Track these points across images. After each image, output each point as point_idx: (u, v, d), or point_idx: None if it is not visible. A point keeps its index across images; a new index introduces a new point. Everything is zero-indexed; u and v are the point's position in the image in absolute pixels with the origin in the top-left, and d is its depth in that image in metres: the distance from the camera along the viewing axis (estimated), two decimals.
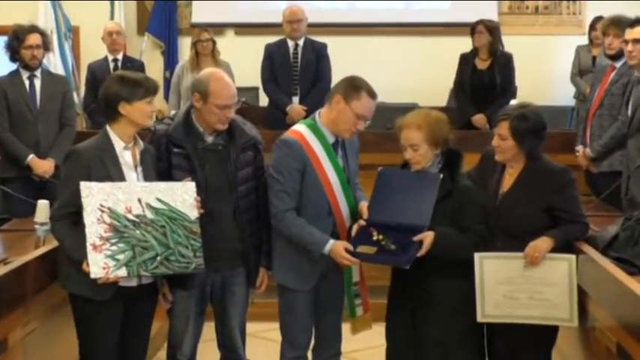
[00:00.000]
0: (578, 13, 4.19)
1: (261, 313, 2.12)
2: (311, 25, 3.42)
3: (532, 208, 1.75)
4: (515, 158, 1.78)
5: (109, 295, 1.61)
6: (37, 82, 2.70)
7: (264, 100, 3.68)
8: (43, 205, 1.85)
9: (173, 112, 2.89)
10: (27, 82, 2.69)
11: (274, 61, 3.34)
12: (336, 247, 1.71)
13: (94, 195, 1.58)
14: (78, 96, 3.85)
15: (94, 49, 3.74)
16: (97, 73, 3.36)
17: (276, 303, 1.85)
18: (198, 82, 1.78)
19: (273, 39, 3.43)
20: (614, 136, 2.43)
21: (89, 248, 1.57)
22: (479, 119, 3.26)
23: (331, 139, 1.79)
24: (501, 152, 1.78)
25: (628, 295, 1.48)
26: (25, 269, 1.63)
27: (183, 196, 1.66)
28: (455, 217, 1.70)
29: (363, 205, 1.78)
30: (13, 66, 2.72)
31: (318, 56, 3.32)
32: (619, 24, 2.44)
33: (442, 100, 3.69)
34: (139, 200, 1.61)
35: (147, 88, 1.66)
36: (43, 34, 2.71)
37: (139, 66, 3.46)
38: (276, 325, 1.87)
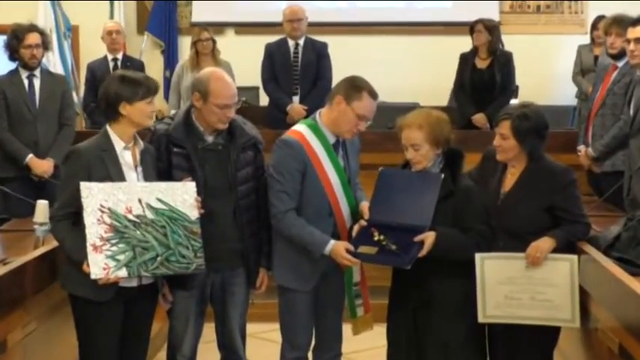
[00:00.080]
0: (580, 12, 4.18)
1: (261, 314, 2.12)
2: (311, 25, 3.41)
3: (534, 208, 1.74)
4: (516, 158, 1.78)
5: (109, 296, 1.61)
6: (37, 82, 2.69)
7: (264, 100, 3.67)
8: (42, 205, 1.85)
9: (173, 111, 2.89)
10: (26, 82, 2.68)
11: (275, 61, 3.33)
12: (336, 247, 1.70)
13: (94, 195, 1.58)
14: (77, 95, 3.84)
15: (93, 49, 3.73)
16: (96, 73, 3.35)
17: (276, 303, 1.84)
18: (198, 82, 1.78)
19: (273, 38, 3.42)
20: (616, 135, 2.42)
21: (89, 249, 1.57)
22: (479, 118, 3.26)
23: (332, 140, 1.79)
24: (503, 152, 1.77)
25: (630, 295, 1.48)
26: (24, 269, 1.63)
27: (183, 196, 1.65)
28: (456, 217, 1.70)
29: (364, 206, 1.77)
30: (13, 65, 2.71)
31: (318, 56, 3.31)
32: (621, 23, 2.43)
33: (443, 100, 3.67)
34: (140, 200, 1.61)
35: (147, 88, 1.66)
36: (42, 33, 2.70)
37: (139, 65, 3.45)
38: (277, 326, 1.86)
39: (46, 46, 2.71)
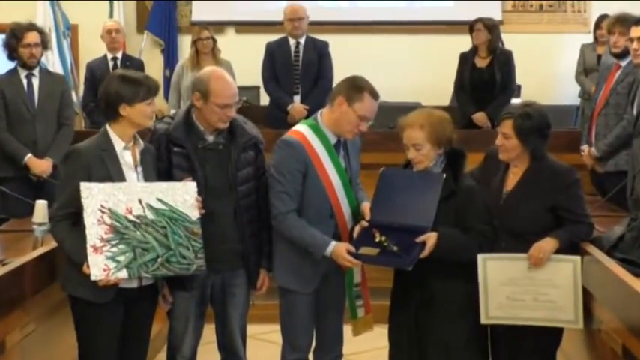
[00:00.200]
0: (582, 11, 4.16)
1: (261, 315, 2.11)
2: (312, 24, 3.40)
3: (536, 208, 1.73)
4: (519, 157, 1.77)
5: (109, 297, 1.60)
6: (35, 81, 2.68)
7: (265, 99, 3.65)
8: (41, 206, 1.84)
9: (173, 111, 2.87)
10: (25, 81, 2.67)
11: (275, 60, 3.32)
12: (338, 248, 1.70)
13: (94, 196, 1.57)
14: (77, 95, 3.82)
15: (93, 48, 3.72)
16: (96, 72, 3.34)
17: (276, 304, 1.83)
18: (198, 81, 1.77)
19: (274, 37, 3.41)
20: (619, 135, 2.41)
21: (89, 250, 1.56)
22: (480, 117, 3.25)
23: (333, 140, 1.78)
24: (505, 151, 1.76)
25: (634, 296, 1.47)
26: (23, 270, 1.62)
27: (184, 196, 1.64)
28: (458, 217, 1.69)
29: (366, 206, 1.77)
30: (11, 64, 2.69)
31: (319, 55, 3.30)
32: (624, 22, 2.42)
33: (445, 100, 3.66)
34: (140, 201, 1.60)
35: (148, 89, 1.65)
36: (41, 32, 2.69)
37: (139, 65, 3.44)
38: (277, 327, 1.85)
39: (45, 45, 2.69)
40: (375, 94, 1.73)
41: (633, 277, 1.56)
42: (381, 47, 4.14)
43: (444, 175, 1.70)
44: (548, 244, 1.70)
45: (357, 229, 1.73)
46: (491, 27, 3.26)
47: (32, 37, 2.62)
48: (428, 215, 1.66)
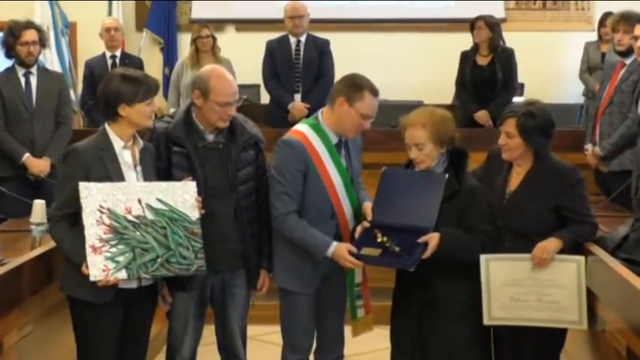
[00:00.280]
0: (586, 8, 4.13)
1: (262, 316, 2.10)
2: (313, 21, 3.38)
3: (540, 208, 1.72)
4: (522, 157, 1.75)
5: (108, 298, 1.59)
6: (33, 80, 2.66)
7: (265, 98, 3.63)
8: (39, 205, 1.83)
9: (172, 110, 2.85)
10: (23, 80, 2.65)
11: (276, 58, 3.30)
12: (339, 249, 1.68)
13: (93, 196, 1.55)
14: (75, 93, 3.80)
15: (91, 46, 3.70)
16: (94, 70, 3.32)
17: (277, 305, 1.82)
18: (198, 79, 1.75)
19: (274, 35, 3.39)
20: (624, 134, 2.40)
21: (88, 250, 1.55)
22: (482, 116, 3.23)
23: (334, 140, 1.77)
24: (508, 150, 1.75)
25: (638, 297, 1.46)
26: (20, 270, 1.61)
27: (183, 196, 1.63)
28: (461, 217, 1.68)
29: (367, 206, 1.75)
30: (9, 63, 2.68)
31: (320, 53, 3.28)
32: (629, 20, 2.41)
33: (448, 98, 3.62)
34: (139, 201, 1.59)
35: (148, 89, 1.63)
36: (39, 30, 2.67)
37: (138, 63, 3.42)
38: (278, 328, 1.84)
39: (43, 43, 2.68)
40: (374, 91, 1.71)
41: (638, 277, 1.54)
42: (383, 45, 4.12)
43: (447, 175, 1.68)
44: (551, 244, 1.69)
45: (359, 229, 1.72)
46: (493, 25, 3.25)
47: (30, 35, 2.60)
48: (430, 215, 1.65)
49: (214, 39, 3.33)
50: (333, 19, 4.05)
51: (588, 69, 3.72)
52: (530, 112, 1.72)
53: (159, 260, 1.59)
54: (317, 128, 1.75)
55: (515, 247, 1.71)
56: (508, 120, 1.74)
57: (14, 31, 2.59)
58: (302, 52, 3.28)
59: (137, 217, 1.58)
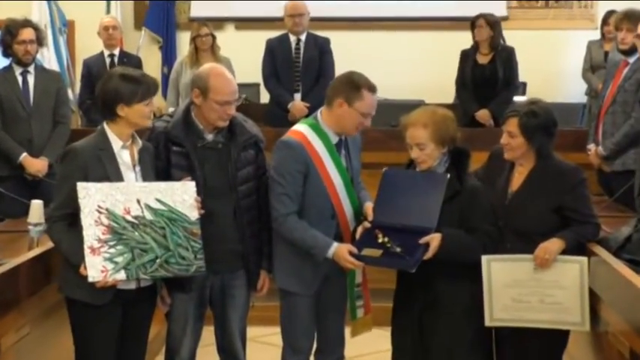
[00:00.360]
0: (589, 6, 4.11)
1: (261, 317, 2.10)
2: (313, 20, 3.36)
3: (542, 208, 1.71)
4: (524, 156, 1.74)
5: (107, 299, 1.58)
6: (31, 79, 2.64)
7: (265, 97, 3.62)
8: (36, 205, 1.82)
9: (171, 109, 2.84)
10: (20, 79, 2.63)
11: (276, 57, 3.28)
12: (340, 250, 1.67)
13: (91, 196, 1.54)
14: (73, 92, 3.78)
15: (89, 44, 3.67)
16: (92, 69, 3.31)
17: (277, 306, 1.81)
18: (197, 78, 1.74)
19: (274, 34, 3.37)
20: (627, 134, 2.39)
21: (87, 251, 1.54)
22: (483, 115, 3.22)
23: (334, 139, 1.76)
24: (510, 150, 1.74)
25: None
26: (18, 271, 1.59)
27: (183, 196, 1.62)
28: (463, 218, 1.67)
29: (368, 207, 1.74)
30: (6, 61, 2.66)
31: (320, 52, 3.26)
32: (632, 18, 2.40)
33: (449, 97, 3.60)
34: (138, 201, 1.58)
35: (147, 89, 1.62)
36: (36, 28, 2.66)
37: (136, 62, 3.41)
38: (278, 330, 1.83)
39: (40, 41, 2.66)
40: (372, 89, 1.70)
41: None
42: (384, 44, 4.10)
43: (448, 175, 1.67)
44: (554, 244, 1.68)
45: (360, 229, 1.71)
46: (493, 23, 3.23)
47: (27, 34, 2.58)
48: (432, 216, 1.64)
49: (214, 37, 3.31)
50: (334, 17, 4.03)
51: (591, 68, 3.69)
52: (532, 112, 1.71)
53: (158, 261, 1.58)
54: (316, 128, 1.74)
55: (517, 247, 1.70)
56: (510, 119, 1.73)
57: (11, 29, 2.57)
58: (302, 51, 3.26)
59: (136, 217, 1.57)
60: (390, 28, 4.15)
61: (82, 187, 1.53)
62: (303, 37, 3.27)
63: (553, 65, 4.07)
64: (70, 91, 3.57)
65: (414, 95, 3.48)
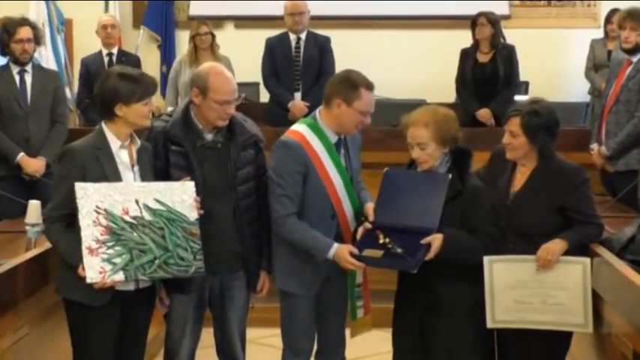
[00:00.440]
0: (592, 5, 4.09)
1: (261, 318, 2.09)
2: (314, 18, 3.33)
3: (544, 209, 1.70)
4: (526, 156, 1.73)
5: (105, 301, 1.57)
6: (28, 78, 2.63)
7: (265, 96, 3.60)
8: (34, 206, 1.81)
9: (170, 108, 2.82)
10: (17, 78, 2.62)
11: (275, 56, 3.27)
12: (340, 251, 1.66)
13: (89, 196, 1.53)
14: (71, 92, 3.77)
15: (87, 43, 3.65)
16: (90, 68, 3.29)
17: (277, 308, 1.80)
18: (197, 77, 1.73)
19: (274, 32, 3.36)
20: (630, 133, 2.38)
21: (85, 252, 1.52)
22: (484, 114, 3.20)
23: (334, 139, 1.75)
24: (512, 150, 1.73)
25: None
26: (15, 272, 1.58)
27: (182, 196, 1.60)
28: (464, 218, 1.66)
29: (369, 207, 1.73)
30: (3, 60, 2.65)
31: (321, 50, 3.25)
32: (635, 16, 2.39)
33: (451, 97, 3.57)
34: (137, 201, 1.56)
35: (145, 89, 1.61)
36: (34, 27, 2.64)
37: (135, 61, 3.39)
38: (278, 331, 1.82)
39: (37, 40, 2.64)
40: (370, 87, 1.70)
41: None
42: (385, 43, 4.08)
43: (450, 176, 1.66)
44: (556, 245, 1.67)
45: (361, 230, 1.70)
46: (494, 21, 3.22)
47: (24, 33, 2.57)
48: (433, 216, 1.63)
49: (213, 36, 3.29)
50: (334, 16, 4.01)
51: (594, 67, 3.67)
52: (534, 111, 1.70)
53: (157, 262, 1.57)
54: (315, 128, 1.73)
55: (520, 248, 1.69)
56: (512, 119, 1.72)
57: (9, 28, 2.56)
58: (302, 50, 3.25)
59: (134, 217, 1.56)
60: (391, 27, 4.14)
61: (79, 187, 1.52)
62: (303, 36, 3.25)
63: (556, 64, 4.05)
64: (67, 90, 3.55)
65: (415, 94, 3.46)
